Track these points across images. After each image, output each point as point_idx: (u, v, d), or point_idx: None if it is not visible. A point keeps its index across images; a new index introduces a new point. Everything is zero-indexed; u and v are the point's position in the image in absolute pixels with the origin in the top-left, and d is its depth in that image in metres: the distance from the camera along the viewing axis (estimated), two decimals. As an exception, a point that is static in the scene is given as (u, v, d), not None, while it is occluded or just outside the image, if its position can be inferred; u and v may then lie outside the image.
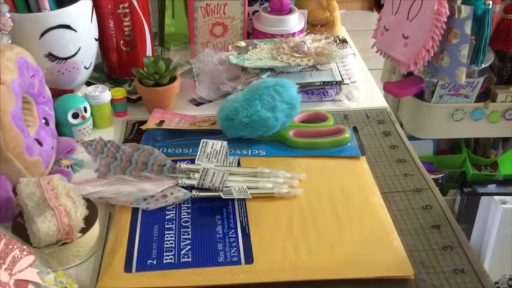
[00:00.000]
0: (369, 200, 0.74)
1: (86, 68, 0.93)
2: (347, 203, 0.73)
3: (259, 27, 1.07)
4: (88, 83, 0.99)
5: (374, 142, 0.88)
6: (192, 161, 0.78)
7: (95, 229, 0.68)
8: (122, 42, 0.99)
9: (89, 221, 0.66)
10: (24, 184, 0.67)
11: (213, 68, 0.97)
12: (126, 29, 0.98)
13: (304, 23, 1.10)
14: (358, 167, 0.80)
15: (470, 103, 1.20)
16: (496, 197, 1.36)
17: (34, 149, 0.73)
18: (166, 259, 0.64)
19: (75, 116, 0.86)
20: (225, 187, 0.73)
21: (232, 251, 0.65)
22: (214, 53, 1.00)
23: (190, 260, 0.64)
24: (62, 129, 0.86)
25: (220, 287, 0.62)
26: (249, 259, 0.64)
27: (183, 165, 0.76)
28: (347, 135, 0.84)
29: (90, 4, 0.91)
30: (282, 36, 1.05)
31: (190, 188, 0.74)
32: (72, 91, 0.91)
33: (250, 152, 0.83)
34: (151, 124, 0.87)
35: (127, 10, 0.96)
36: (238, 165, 0.79)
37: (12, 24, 0.81)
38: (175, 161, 0.77)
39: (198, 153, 0.77)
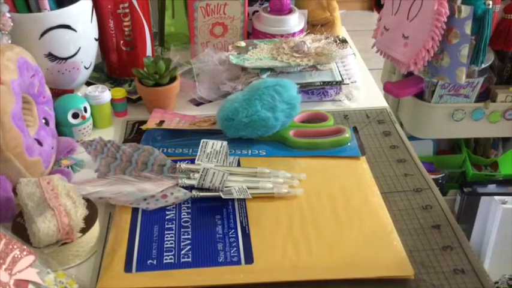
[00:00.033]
0: (369, 200, 0.74)
1: (86, 68, 0.93)
2: (347, 203, 0.73)
3: (259, 27, 1.07)
4: (88, 83, 0.99)
5: (374, 142, 0.88)
6: (192, 161, 0.78)
7: (95, 229, 0.68)
8: (122, 42, 0.99)
9: (89, 221, 0.66)
10: (24, 184, 0.67)
11: (213, 68, 0.97)
12: (126, 29, 0.98)
13: (304, 23, 1.10)
14: (358, 167, 0.80)
15: (470, 103, 1.20)
16: (496, 197, 1.36)
17: (34, 149, 0.73)
18: (166, 259, 0.64)
19: (75, 116, 0.86)
20: (225, 187, 0.73)
21: (232, 251, 0.65)
22: (214, 53, 1.00)
23: (190, 260, 0.64)
24: (62, 129, 0.86)
25: (220, 287, 0.62)
26: (249, 259, 0.64)
27: (183, 165, 0.76)
28: (347, 135, 0.84)
29: (90, 4, 0.91)
30: (282, 36, 1.05)
31: (190, 188, 0.74)
32: (72, 91, 0.91)
33: (250, 152, 0.83)
34: (151, 124, 0.87)
35: (127, 10, 0.96)
36: (238, 165, 0.79)
37: (12, 24, 0.81)
38: (175, 161, 0.77)
39: (198, 153, 0.77)
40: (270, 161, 0.80)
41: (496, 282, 1.29)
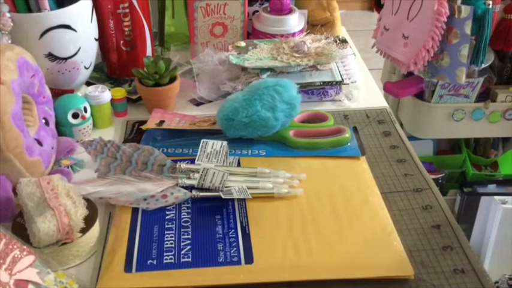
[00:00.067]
0: (369, 200, 0.74)
1: (86, 68, 0.93)
2: (347, 203, 0.73)
3: (259, 27, 1.07)
4: (88, 83, 0.99)
5: (374, 142, 0.88)
6: (192, 161, 0.78)
7: (95, 229, 0.68)
8: (122, 42, 0.99)
9: (89, 221, 0.66)
10: (24, 184, 0.67)
11: (213, 68, 0.97)
12: (126, 29, 0.98)
13: (304, 23, 1.10)
14: (358, 167, 0.80)
15: (470, 103, 1.20)
16: (496, 197, 1.36)
17: (34, 149, 0.73)
18: (166, 259, 0.64)
19: (75, 116, 0.86)
20: (225, 187, 0.73)
21: (232, 251, 0.65)
22: (214, 53, 1.00)
23: (190, 260, 0.64)
24: (62, 129, 0.86)
25: (220, 287, 0.62)
26: (249, 259, 0.64)
27: (183, 165, 0.76)
28: (347, 135, 0.84)
29: (90, 4, 0.91)
30: (282, 36, 1.05)
31: (190, 188, 0.74)
32: (72, 91, 0.91)
33: (250, 152, 0.83)
34: (151, 124, 0.87)
35: (127, 10, 0.96)
36: (238, 165, 0.79)
37: (12, 24, 0.81)
38: (175, 161, 0.77)
39: (198, 153, 0.77)
40: (270, 161, 0.80)
41: (496, 282, 1.29)
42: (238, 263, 0.64)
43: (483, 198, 1.41)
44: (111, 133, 0.90)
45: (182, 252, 0.65)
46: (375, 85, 1.05)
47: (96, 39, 0.95)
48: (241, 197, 0.72)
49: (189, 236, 0.68)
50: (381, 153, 0.85)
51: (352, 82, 0.98)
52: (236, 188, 0.73)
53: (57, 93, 0.88)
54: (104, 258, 0.66)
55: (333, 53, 0.97)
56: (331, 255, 0.65)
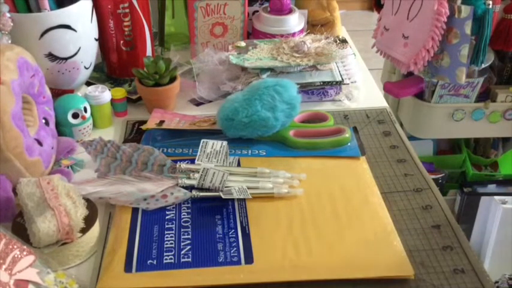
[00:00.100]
0: (369, 200, 0.74)
1: (86, 68, 0.93)
2: (347, 203, 0.73)
3: (259, 27, 1.07)
4: (88, 83, 0.99)
5: (374, 142, 0.88)
6: (192, 161, 0.78)
7: (95, 229, 0.68)
8: (122, 42, 0.99)
9: (89, 221, 0.66)
10: (24, 184, 0.67)
11: (213, 68, 0.97)
12: (126, 29, 0.98)
13: (304, 23, 1.10)
14: (358, 167, 0.80)
15: (470, 103, 1.20)
16: (496, 197, 1.36)
17: (34, 149, 0.73)
18: (166, 259, 0.64)
19: (75, 116, 0.86)
20: (225, 187, 0.73)
21: (232, 251, 0.65)
22: (214, 53, 1.00)
23: (190, 260, 0.64)
24: (62, 129, 0.86)
25: (220, 287, 0.62)
26: (249, 259, 0.64)
27: (183, 165, 0.76)
28: (347, 135, 0.84)
29: (90, 4, 0.91)
30: (282, 36, 1.05)
31: (190, 188, 0.74)
32: (72, 91, 0.91)
33: (250, 152, 0.83)
34: (151, 124, 0.87)
35: (127, 10, 0.96)
36: (238, 165, 0.79)
37: (12, 24, 0.81)
38: (175, 161, 0.77)
39: (198, 153, 0.77)
40: (270, 161, 0.80)
41: (496, 282, 1.29)
42: (238, 263, 0.64)
43: (483, 198, 1.41)
44: (111, 133, 0.90)
45: (182, 252, 0.65)
46: (375, 85, 1.05)
47: (96, 39, 0.95)
48: (241, 197, 0.72)
49: (189, 236, 0.68)
50: (381, 153, 0.85)
51: (352, 82, 0.98)
52: (236, 188, 0.73)
53: (57, 93, 0.88)
54: (104, 258, 0.66)
55: (333, 53, 0.97)
56: (331, 255, 0.65)
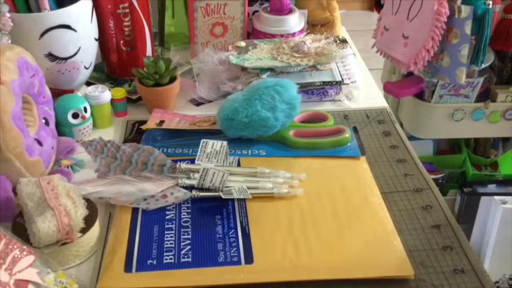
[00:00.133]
0: (369, 200, 0.74)
1: (86, 68, 0.93)
2: (347, 203, 0.73)
3: (259, 27, 1.07)
4: (88, 83, 0.99)
5: (374, 142, 0.88)
6: (192, 161, 0.78)
7: (95, 229, 0.68)
8: (122, 42, 0.99)
9: (89, 221, 0.66)
10: (24, 184, 0.67)
11: (213, 68, 0.97)
12: (126, 29, 0.98)
13: (304, 23, 1.10)
14: (358, 167, 0.80)
15: (470, 103, 1.20)
16: (496, 197, 1.36)
17: (34, 149, 0.73)
18: (166, 259, 0.64)
19: (75, 116, 0.86)
20: (225, 187, 0.73)
21: (232, 251, 0.65)
22: (214, 53, 1.00)
23: (190, 260, 0.64)
24: (62, 129, 0.86)
25: (220, 287, 0.62)
26: (249, 259, 0.64)
27: (183, 165, 0.76)
28: (347, 135, 0.84)
29: (90, 4, 0.91)
30: (282, 36, 1.05)
31: (190, 188, 0.74)
32: (72, 91, 0.91)
33: (250, 152, 0.83)
34: (151, 124, 0.87)
35: (127, 10, 0.96)
36: (238, 165, 0.79)
37: (12, 24, 0.81)
38: (175, 161, 0.77)
39: (198, 153, 0.77)
40: (270, 161, 0.80)
41: (497, 282, 1.29)
42: (238, 263, 0.64)
43: (483, 198, 1.41)
44: (111, 133, 0.90)
45: (182, 252, 0.65)
46: (375, 85, 1.05)
47: (96, 39, 0.95)
48: (241, 197, 0.72)
49: (189, 236, 0.68)
50: (381, 153, 0.85)
51: (352, 82, 0.98)
52: (236, 188, 0.73)
53: (57, 93, 0.88)
54: (104, 258, 0.66)
55: (333, 53, 0.97)
56: (331, 255, 0.65)
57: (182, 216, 0.71)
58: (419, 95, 1.21)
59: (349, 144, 0.84)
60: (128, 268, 0.63)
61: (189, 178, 0.75)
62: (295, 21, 1.07)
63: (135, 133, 0.89)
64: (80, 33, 0.88)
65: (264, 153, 0.82)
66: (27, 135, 0.72)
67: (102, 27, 0.97)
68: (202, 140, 0.79)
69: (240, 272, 0.63)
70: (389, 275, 0.63)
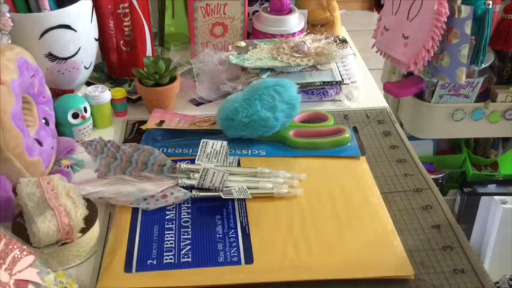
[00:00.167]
0: (369, 200, 0.74)
1: (86, 68, 0.93)
2: (347, 203, 0.73)
3: (259, 27, 1.07)
4: (88, 83, 0.99)
5: (374, 142, 0.88)
6: (192, 161, 0.78)
7: (95, 229, 0.68)
8: (122, 42, 0.99)
9: (89, 221, 0.66)
10: (24, 184, 0.67)
11: (213, 68, 0.97)
12: (126, 29, 0.98)
13: (304, 23, 1.10)
14: (358, 167, 0.80)
15: (470, 103, 1.20)
16: (496, 197, 1.36)
17: (34, 149, 0.73)
18: (166, 259, 0.64)
19: (75, 116, 0.86)
20: (225, 187, 0.73)
21: (232, 251, 0.65)
22: (214, 53, 1.00)
23: (190, 260, 0.64)
24: (62, 129, 0.86)
25: (220, 287, 0.62)
26: (249, 259, 0.64)
27: (183, 165, 0.76)
28: (347, 135, 0.84)
29: (90, 4, 0.91)
30: (282, 36, 1.05)
31: (190, 188, 0.74)
32: (72, 91, 0.91)
33: (250, 152, 0.83)
34: (151, 124, 0.87)
35: (127, 10, 0.96)
36: (238, 165, 0.79)
37: (12, 24, 0.81)
38: (175, 161, 0.77)
39: (198, 153, 0.77)
40: (270, 161, 0.80)
41: (497, 283, 1.29)
42: (238, 263, 0.64)
43: (483, 198, 1.41)
44: (111, 133, 0.90)
45: (182, 252, 0.65)
46: (375, 85, 1.05)
47: (96, 39, 0.95)
48: (241, 197, 0.72)
49: (189, 236, 0.68)
50: (381, 153, 0.85)
51: (352, 82, 0.98)
52: (236, 188, 0.73)
53: (57, 93, 0.88)
54: (104, 258, 0.66)
55: (333, 53, 0.97)
56: (331, 255, 0.65)
57: (182, 216, 0.71)
58: (419, 95, 1.21)
59: (349, 144, 0.84)
60: (127, 268, 0.63)
61: (189, 178, 0.75)
62: (295, 21, 1.07)
63: (135, 133, 0.89)
64: (80, 33, 0.88)
65: (264, 153, 0.82)
66: (27, 135, 0.72)
67: (102, 27, 0.97)
68: (202, 140, 0.79)
69: (240, 272, 0.63)
70: (389, 275, 0.63)
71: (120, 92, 0.92)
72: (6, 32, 0.80)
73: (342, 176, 0.78)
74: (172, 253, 0.65)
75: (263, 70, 0.94)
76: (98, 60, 1.03)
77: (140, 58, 0.99)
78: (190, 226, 0.69)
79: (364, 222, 0.70)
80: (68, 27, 0.86)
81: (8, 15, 0.80)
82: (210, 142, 0.78)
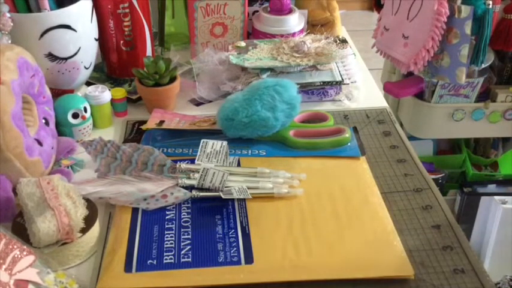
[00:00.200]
0: (369, 200, 0.74)
1: (86, 68, 0.93)
2: (347, 203, 0.73)
3: (259, 27, 1.07)
4: (88, 83, 0.99)
5: (374, 142, 0.88)
6: (192, 161, 0.78)
7: (95, 229, 0.68)
8: (122, 42, 0.99)
9: (89, 221, 0.66)
10: (24, 184, 0.67)
11: (213, 68, 0.97)
12: (126, 29, 0.98)
13: (304, 23, 1.10)
14: (358, 167, 0.80)
15: (470, 103, 1.20)
16: (496, 197, 1.36)
17: (34, 149, 0.73)
18: (166, 259, 0.64)
19: (75, 116, 0.86)
20: (225, 187, 0.73)
21: (232, 251, 0.65)
22: (214, 53, 1.00)
23: (190, 260, 0.64)
24: (62, 129, 0.86)
25: (220, 287, 0.62)
26: (249, 259, 0.64)
27: (183, 165, 0.76)
28: (347, 135, 0.84)
29: (90, 4, 0.91)
30: (282, 36, 1.05)
31: (190, 188, 0.74)
32: (72, 91, 0.91)
33: (250, 152, 0.83)
34: (151, 124, 0.87)
35: (127, 10, 0.96)
36: (238, 165, 0.79)
37: (12, 24, 0.81)
38: (175, 161, 0.77)
39: (198, 153, 0.77)
40: (270, 161, 0.80)
41: (497, 283, 1.28)
42: (238, 263, 0.64)
43: (483, 198, 1.41)
44: (111, 133, 0.90)
45: (182, 252, 0.65)
46: (375, 85, 1.05)
47: (96, 39, 0.95)
48: (241, 197, 0.72)
49: (189, 236, 0.68)
50: (381, 153, 0.85)
51: (352, 82, 0.98)
52: (236, 188, 0.73)
53: (57, 93, 0.88)
54: (104, 258, 0.66)
55: (333, 53, 0.97)
56: (331, 255, 0.65)
57: (182, 216, 0.71)
58: (419, 95, 1.21)
59: (349, 144, 0.84)
60: (128, 268, 0.63)
61: (189, 178, 0.75)
62: (295, 21, 1.07)
63: (135, 133, 0.89)
64: (80, 33, 0.88)
65: (264, 153, 0.82)
66: (27, 135, 0.72)
67: (102, 27, 0.97)
68: (202, 140, 0.79)
69: (240, 272, 0.63)
70: (389, 275, 0.63)
71: (120, 92, 0.92)
72: (6, 32, 0.80)
73: (342, 176, 0.78)
74: (172, 253, 0.65)
75: (263, 70, 0.94)
76: (98, 60, 1.03)
77: (140, 58, 0.99)
78: (190, 226, 0.69)
79: (364, 222, 0.70)
80: (68, 27, 0.86)
81: (8, 15, 0.80)
82: (210, 142, 0.78)
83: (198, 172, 0.74)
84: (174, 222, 0.70)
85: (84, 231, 0.65)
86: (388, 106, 0.99)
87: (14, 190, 0.69)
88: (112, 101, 0.91)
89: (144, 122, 0.89)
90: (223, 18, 1.05)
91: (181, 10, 1.15)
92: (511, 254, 1.35)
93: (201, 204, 0.73)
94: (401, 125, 1.24)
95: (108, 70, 1.04)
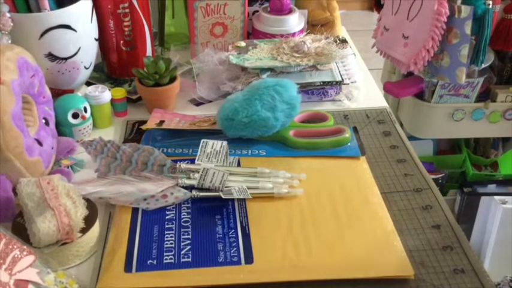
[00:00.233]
0: (369, 200, 0.74)
1: (86, 68, 0.93)
2: (347, 203, 0.73)
3: (259, 27, 1.07)
4: (88, 83, 0.99)
5: (374, 142, 0.88)
6: (192, 161, 0.78)
7: (95, 229, 0.68)
8: (122, 42, 0.99)
9: (89, 221, 0.66)
10: (24, 184, 0.67)
11: (213, 68, 0.97)
12: (126, 29, 0.98)
13: (304, 23, 1.10)
14: (358, 167, 0.80)
15: (470, 103, 1.20)
16: (496, 197, 1.36)
17: (34, 149, 0.73)
18: (166, 259, 0.64)
19: (75, 116, 0.86)
20: (225, 187, 0.73)
21: (232, 251, 0.65)
22: (214, 53, 1.00)
23: (190, 260, 0.64)
24: (62, 129, 0.86)
25: (220, 287, 0.62)
26: (249, 259, 0.64)
27: (183, 165, 0.76)
28: (347, 135, 0.84)
29: (90, 4, 0.91)
30: (282, 36, 1.05)
31: (190, 188, 0.74)
32: (72, 91, 0.91)
33: (250, 152, 0.83)
34: (151, 124, 0.87)
35: (127, 10, 0.96)
36: (238, 165, 0.79)
37: (12, 24, 0.81)
38: (175, 161, 0.77)
39: (198, 153, 0.77)
40: (270, 161, 0.80)
41: (498, 284, 1.28)
42: (238, 263, 0.64)
43: (483, 198, 1.41)
44: (111, 133, 0.90)
45: (182, 252, 0.65)
46: (375, 85, 1.05)
47: (96, 39, 0.95)
48: (241, 197, 0.72)
49: (189, 236, 0.68)
50: (381, 153, 0.85)
51: (352, 82, 0.98)
52: (236, 188, 0.73)
53: (57, 93, 0.88)
54: (104, 258, 0.66)
55: (333, 53, 0.97)
56: (331, 255, 0.65)
57: (182, 216, 0.71)
58: (419, 95, 1.21)
59: (349, 144, 0.84)
60: (128, 268, 0.63)
61: (189, 178, 0.75)
62: (295, 21, 1.07)
63: (135, 133, 0.89)
64: (80, 33, 0.88)
65: (264, 153, 0.82)
66: (27, 135, 0.72)
67: (102, 27, 0.97)
68: (202, 140, 0.79)
69: (240, 272, 0.63)
70: (389, 275, 0.63)
71: (120, 92, 0.92)
72: (6, 32, 0.80)
73: (342, 176, 0.78)
74: (172, 253, 0.65)
75: (263, 70, 0.94)
76: (98, 60, 1.03)
77: (140, 58, 0.99)
78: (190, 226, 0.69)
79: (364, 222, 0.70)
80: (68, 27, 0.86)
81: (8, 15, 0.80)
82: (210, 142, 0.79)
83: (198, 172, 0.74)
84: (174, 222, 0.70)
85: (84, 231, 0.65)
86: (388, 106, 0.99)
87: (14, 190, 0.69)
88: (112, 101, 0.91)
89: (144, 122, 0.89)
90: (223, 18, 1.05)
91: (181, 10, 1.15)
92: (511, 254, 1.35)
93: (201, 204, 0.73)
94: (401, 125, 1.24)
95: (108, 70, 1.04)
